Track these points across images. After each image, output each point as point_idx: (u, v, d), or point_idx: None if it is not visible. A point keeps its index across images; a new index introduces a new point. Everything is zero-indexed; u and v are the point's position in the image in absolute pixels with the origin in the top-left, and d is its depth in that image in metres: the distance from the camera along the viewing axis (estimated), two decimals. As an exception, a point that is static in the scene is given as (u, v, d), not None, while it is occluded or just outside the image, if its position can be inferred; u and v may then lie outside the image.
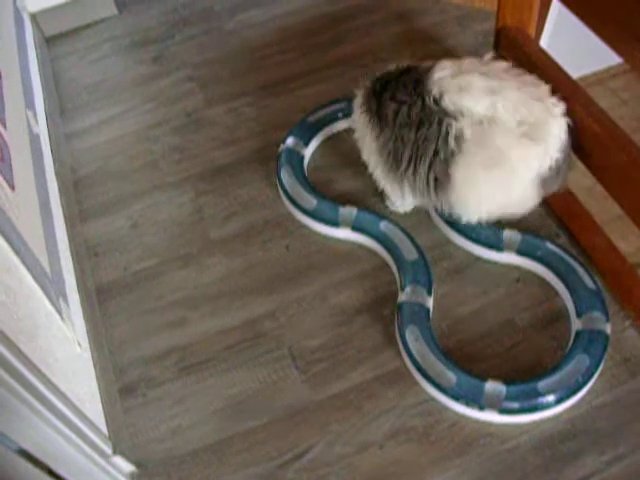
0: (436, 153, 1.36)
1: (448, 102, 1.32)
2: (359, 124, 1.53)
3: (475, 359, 1.42)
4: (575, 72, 1.55)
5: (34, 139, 1.62)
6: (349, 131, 1.83)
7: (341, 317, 1.52)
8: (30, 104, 1.72)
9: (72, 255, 1.59)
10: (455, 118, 1.32)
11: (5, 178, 1.23)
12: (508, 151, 1.32)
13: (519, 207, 1.45)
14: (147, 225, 1.75)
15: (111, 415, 1.36)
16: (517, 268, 1.54)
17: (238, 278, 1.61)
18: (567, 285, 1.46)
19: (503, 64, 1.39)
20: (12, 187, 1.26)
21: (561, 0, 1.44)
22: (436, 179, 1.40)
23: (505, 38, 1.64)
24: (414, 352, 1.39)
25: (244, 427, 1.40)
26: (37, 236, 1.33)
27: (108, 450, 1.27)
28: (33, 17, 2.21)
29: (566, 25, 1.62)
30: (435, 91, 1.34)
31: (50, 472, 1.10)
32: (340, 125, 1.85)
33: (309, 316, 1.53)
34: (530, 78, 1.40)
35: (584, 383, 1.32)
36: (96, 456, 1.20)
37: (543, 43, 1.84)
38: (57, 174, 1.74)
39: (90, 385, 1.35)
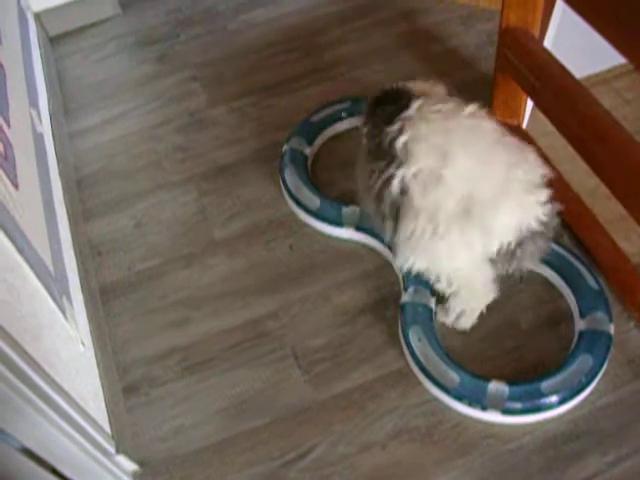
0: (384, 192, 1.28)
1: (400, 144, 1.23)
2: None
3: (478, 359, 1.42)
4: (579, 72, 1.55)
5: (38, 138, 1.62)
6: (352, 131, 1.83)
7: (344, 317, 1.52)
8: (34, 103, 1.72)
9: (76, 254, 1.59)
10: (401, 164, 1.23)
11: (9, 177, 1.23)
12: (445, 221, 1.21)
13: (468, 283, 1.34)
14: (151, 224, 1.75)
15: (114, 414, 1.36)
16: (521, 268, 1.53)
17: (241, 278, 1.61)
18: (570, 285, 1.45)
19: (488, 124, 1.27)
20: (16, 186, 1.26)
21: (565, 0, 1.44)
22: (384, 216, 1.33)
23: (509, 38, 1.64)
24: (417, 352, 1.39)
25: (247, 427, 1.40)
26: (41, 235, 1.33)
27: (111, 449, 1.27)
28: (37, 16, 2.21)
29: (570, 25, 1.62)
30: (395, 128, 1.25)
31: (53, 471, 1.10)
32: (343, 125, 1.85)
33: (312, 316, 1.53)
34: (513, 145, 1.27)
35: (587, 384, 1.32)
36: (99, 455, 1.21)
37: (547, 43, 1.84)
38: (61, 173, 1.74)
39: (93, 384, 1.35)
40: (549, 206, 1.24)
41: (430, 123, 1.23)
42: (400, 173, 1.23)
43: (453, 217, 1.20)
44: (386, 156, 1.26)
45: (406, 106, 1.27)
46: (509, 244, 1.22)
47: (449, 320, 1.44)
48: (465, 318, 1.42)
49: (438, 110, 1.26)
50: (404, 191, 1.24)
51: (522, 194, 1.20)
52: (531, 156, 1.26)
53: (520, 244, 1.24)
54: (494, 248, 1.23)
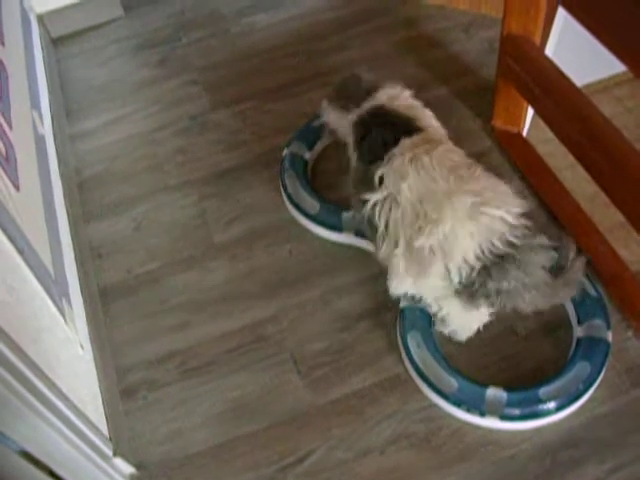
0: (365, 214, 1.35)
1: (377, 176, 1.30)
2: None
3: (477, 365, 1.42)
4: (580, 80, 1.56)
5: (39, 140, 1.62)
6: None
7: (343, 322, 1.52)
8: (36, 105, 1.72)
9: (76, 256, 1.59)
10: (386, 200, 1.29)
11: (10, 178, 1.23)
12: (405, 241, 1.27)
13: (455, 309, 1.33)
14: (151, 227, 1.75)
15: (112, 417, 1.36)
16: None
17: (241, 282, 1.61)
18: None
19: (480, 173, 1.28)
20: (17, 187, 1.26)
21: (566, 8, 1.44)
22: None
23: (510, 45, 1.64)
24: (416, 358, 1.39)
25: (245, 431, 1.39)
26: (41, 237, 1.33)
27: (109, 452, 1.27)
28: (40, 18, 2.22)
29: (571, 33, 1.62)
30: (382, 171, 1.31)
31: (51, 473, 1.10)
32: (344, 130, 1.85)
33: (311, 321, 1.53)
34: (477, 175, 1.27)
35: (585, 390, 1.32)
36: (97, 458, 1.20)
37: (548, 51, 1.84)
38: (62, 175, 1.74)
39: (92, 387, 1.35)
40: (521, 228, 1.17)
41: (404, 157, 1.29)
42: (373, 199, 1.31)
43: (409, 243, 1.25)
44: (371, 186, 1.33)
45: (394, 144, 1.32)
46: (472, 269, 1.17)
47: (446, 331, 1.44)
48: (461, 332, 1.43)
49: (417, 148, 1.30)
50: (374, 216, 1.32)
51: (476, 215, 1.17)
52: (502, 187, 1.25)
53: (489, 270, 1.17)
54: (454, 275, 1.20)
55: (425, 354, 1.39)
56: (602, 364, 1.34)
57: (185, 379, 1.48)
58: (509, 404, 1.31)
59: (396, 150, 1.30)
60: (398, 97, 1.47)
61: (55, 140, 1.81)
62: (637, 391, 1.36)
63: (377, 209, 1.31)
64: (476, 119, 1.87)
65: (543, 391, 1.32)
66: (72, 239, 1.62)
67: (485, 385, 1.34)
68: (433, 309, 1.38)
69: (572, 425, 1.33)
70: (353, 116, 1.46)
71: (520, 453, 1.31)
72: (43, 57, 2.07)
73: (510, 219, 1.18)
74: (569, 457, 1.30)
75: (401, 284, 1.34)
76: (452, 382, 1.35)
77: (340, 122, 1.54)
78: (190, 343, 1.53)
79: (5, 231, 1.08)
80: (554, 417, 1.32)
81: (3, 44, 1.58)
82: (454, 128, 1.81)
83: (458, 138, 1.78)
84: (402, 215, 1.26)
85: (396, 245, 1.28)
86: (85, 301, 1.52)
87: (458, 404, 1.33)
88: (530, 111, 1.84)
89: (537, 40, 1.63)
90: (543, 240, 1.19)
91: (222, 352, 1.51)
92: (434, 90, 1.96)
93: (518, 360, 1.42)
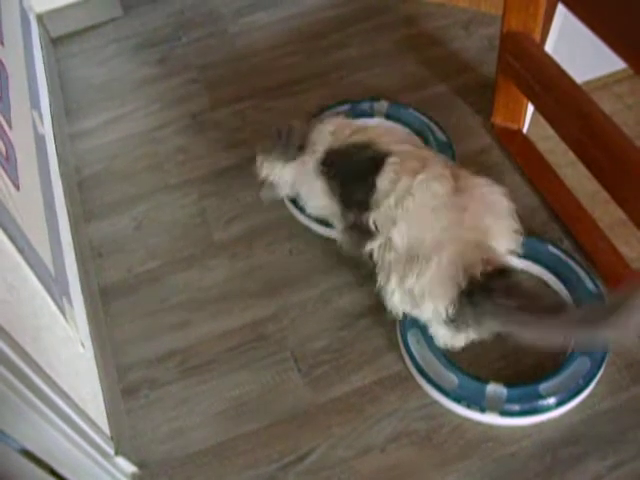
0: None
1: (371, 222, 1.33)
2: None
3: (477, 362, 1.42)
4: (580, 77, 1.55)
5: (39, 139, 1.62)
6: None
7: (344, 320, 1.52)
8: (36, 104, 1.72)
9: (76, 255, 1.60)
10: (373, 238, 1.34)
11: (10, 178, 1.23)
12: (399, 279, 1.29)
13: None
14: (151, 226, 1.75)
15: (114, 416, 1.36)
16: (521, 272, 1.53)
17: (241, 280, 1.61)
18: (568, 288, 1.46)
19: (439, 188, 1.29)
20: (17, 187, 1.26)
21: (566, 5, 1.44)
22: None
23: (510, 42, 1.64)
24: (416, 355, 1.39)
25: (246, 429, 1.40)
26: (41, 236, 1.33)
27: (110, 451, 1.27)
28: (39, 18, 2.22)
29: (571, 30, 1.62)
30: (370, 209, 1.33)
31: (52, 472, 1.10)
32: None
33: (312, 319, 1.53)
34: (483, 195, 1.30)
35: (585, 386, 1.32)
36: (98, 456, 1.21)
37: (548, 48, 1.84)
38: (62, 174, 1.74)
39: (93, 386, 1.35)
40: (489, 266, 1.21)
41: (389, 200, 1.30)
42: (371, 244, 1.35)
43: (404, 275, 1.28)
44: (364, 232, 1.36)
45: (372, 188, 1.33)
46: (454, 306, 1.21)
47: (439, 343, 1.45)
48: (451, 345, 1.43)
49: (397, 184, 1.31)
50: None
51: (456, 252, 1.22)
52: (496, 207, 1.29)
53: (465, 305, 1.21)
54: (441, 311, 1.23)
55: (425, 351, 1.39)
56: (602, 359, 1.34)
57: (186, 378, 1.48)
58: (509, 400, 1.31)
59: (378, 194, 1.32)
60: (343, 126, 1.48)
61: (55, 139, 1.82)
62: (637, 387, 1.36)
63: (375, 252, 1.35)
64: (476, 116, 1.87)
65: (543, 387, 1.32)
66: (72, 238, 1.63)
67: (485, 381, 1.34)
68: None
69: (573, 421, 1.33)
70: (311, 165, 1.46)
71: (521, 450, 1.31)
72: (43, 57, 2.07)
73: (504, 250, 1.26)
74: (570, 454, 1.30)
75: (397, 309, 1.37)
76: (452, 378, 1.35)
77: (281, 172, 1.53)
78: (191, 342, 1.53)
79: (5, 230, 1.08)
80: (554, 413, 1.32)
81: (3, 44, 1.58)
82: (454, 125, 1.83)
83: (458, 135, 1.80)
84: (395, 259, 1.29)
85: (388, 280, 1.32)
86: (86, 300, 1.52)
87: (458, 400, 1.33)
88: (530, 108, 1.84)
89: (537, 37, 1.63)
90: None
91: (223, 351, 1.51)
92: (434, 87, 1.96)
93: (518, 356, 1.42)
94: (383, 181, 1.32)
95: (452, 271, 1.21)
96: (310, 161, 1.46)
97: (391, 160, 1.33)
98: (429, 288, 1.24)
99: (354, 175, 1.38)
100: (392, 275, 1.30)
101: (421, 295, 1.25)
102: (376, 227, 1.33)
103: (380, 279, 1.35)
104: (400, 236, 1.28)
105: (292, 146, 1.49)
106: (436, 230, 1.25)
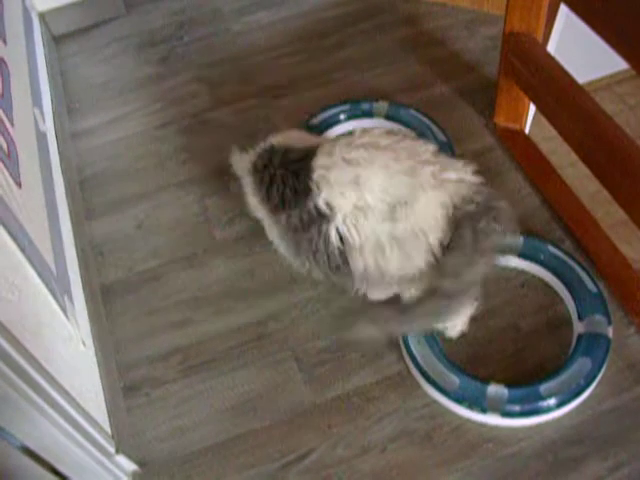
0: (328, 249, 1.29)
1: (322, 204, 1.25)
2: (252, 199, 1.43)
3: (478, 362, 1.42)
4: (582, 77, 1.55)
5: (41, 137, 1.62)
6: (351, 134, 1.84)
7: (344, 320, 1.52)
8: (38, 102, 1.73)
9: (77, 254, 1.60)
10: (330, 220, 1.25)
11: (12, 175, 1.23)
12: (388, 237, 1.23)
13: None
14: (152, 225, 1.75)
15: (114, 414, 1.36)
16: (522, 273, 1.54)
17: (242, 279, 1.61)
18: (569, 288, 1.46)
19: (384, 140, 1.26)
20: (19, 184, 1.26)
21: (568, 5, 1.44)
22: (338, 266, 1.32)
23: (513, 43, 1.64)
24: (417, 355, 1.39)
25: (247, 428, 1.40)
26: (43, 234, 1.33)
27: (111, 449, 1.27)
28: (42, 16, 2.22)
29: (573, 30, 1.62)
30: (315, 193, 1.25)
31: (53, 470, 1.10)
32: (342, 128, 1.85)
33: (312, 318, 1.53)
34: (409, 144, 1.27)
35: (586, 386, 1.32)
36: (99, 455, 1.21)
37: (550, 48, 1.84)
38: (63, 172, 1.74)
39: (94, 384, 1.35)
40: (478, 186, 1.21)
41: (335, 169, 1.24)
42: (334, 227, 1.26)
43: (392, 237, 1.22)
44: (314, 223, 1.27)
45: (307, 164, 1.27)
46: (445, 234, 1.20)
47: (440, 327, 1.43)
48: (451, 327, 1.43)
49: (339, 146, 1.27)
50: (345, 239, 1.26)
51: (435, 179, 1.20)
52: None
53: (458, 229, 1.19)
54: (435, 247, 1.21)
55: (426, 351, 1.39)
56: (603, 360, 1.34)
57: (187, 376, 1.48)
58: (510, 400, 1.31)
59: (316, 174, 1.25)
60: (299, 135, 1.44)
61: (57, 137, 1.82)
62: (639, 388, 1.36)
63: (346, 226, 1.25)
64: (478, 117, 1.87)
65: (544, 387, 1.32)
66: (74, 236, 1.63)
67: (486, 382, 1.34)
68: None
69: (574, 422, 1.33)
70: (250, 162, 1.40)
71: (522, 450, 1.31)
72: (45, 55, 2.07)
73: (470, 178, 1.22)
74: (571, 455, 1.30)
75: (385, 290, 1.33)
76: (453, 379, 1.35)
77: (240, 167, 1.47)
78: (192, 340, 1.53)
79: (7, 228, 1.08)
80: (555, 413, 1.32)
81: (5, 42, 1.59)
82: (456, 126, 1.83)
83: (460, 135, 1.80)
84: (376, 214, 1.22)
85: (376, 250, 1.25)
86: (87, 298, 1.52)
87: (459, 401, 1.33)
88: (532, 108, 1.84)
89: (539, 37, 1.63)
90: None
91: (224, 350, 1.51)
92: (436, 88, 1.96)
93: (520, 357, 1.42)
94: (318, 160, 1.26)
95: (440, 196, 1.19)
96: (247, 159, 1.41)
97: (323, 146, 1.29)
98: (422, 224, 1.19)
99: (285, 170, 1.31)
100: (380, 235, 1.23)
101: (414, 235, 1.20)
102: (329, 207, 1.24)
103: (362, 257, 1.26)
104: (375, 192, 1.21)
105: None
106: (403, 162, 1.21)
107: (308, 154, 1.29)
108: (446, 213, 1.19)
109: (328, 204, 1.25)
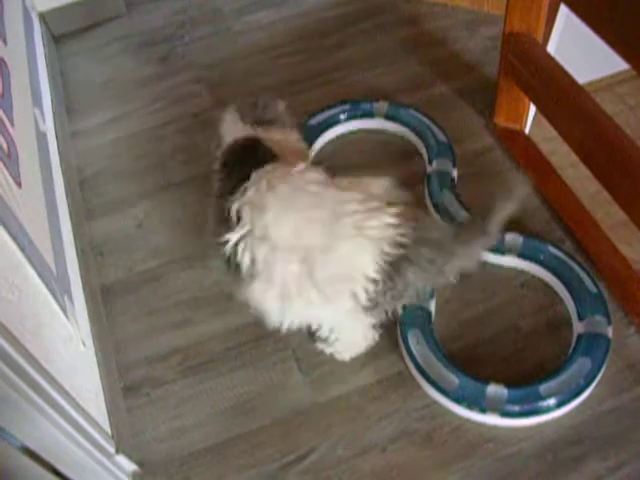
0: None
1: (246, 217, 1.21)
2: None
3: (478, 363, 1.42)
4: (582, 78, 1.55)
5: (41, 137, 1.62)
6: (351, 134, 1.84)
7: (345, 319, 1.52)
8: (38, 102, 1.73)
9: (77, 254, 1.60)
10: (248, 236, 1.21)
11: (12, 175, 1.23)
12: (295, 284, 1.19)
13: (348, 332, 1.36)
14: (152, 225, 1.75)
15: (114, 414, 1.36)
16: (522, 273, 1.54)
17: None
18: (569, 288, 1.46)
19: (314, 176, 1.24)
20: (19, 184, 1.26)
21: (569, 5, 1.44)
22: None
23: (513, 43, 1.64)
24: (416, 355, 1.39)
25: (247, 428, 1.40)
26: (43, 233, 1.33)
27: (111, 449, 1.27)
28: (42, 16, 2.22)
29: (573, 31, 1.62)
30: (238, 204, 1.23)
31: (53, 470, 1.10)
32: (342, 128, 1.85)
33: (313, 318, 1.53)
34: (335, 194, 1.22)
35: (586, 386, 1.32)
36: (99, 455, 1.21)
37: (550, 48, 1.84)
38: (63, 172, 1.74)
39: (94, 384, 1.35)
40: (403, 226, 1.17)
41: (258, 187, 1.22)
42: (234, 238, 1.22)
43: (298, 278, 1.18)
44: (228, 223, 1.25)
45: (247, 176, 1.25)
46: (377, 282, 1.17)
47: (330, 350, 1.44)
48: (348, 350, 1.43)
49: (271, 174, 1.24)
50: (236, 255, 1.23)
51: (357, 229, 1.16)
52: (374, 185, 1.23)
53: (391, 276, 1.17)
54: (361, 296, 1.18)
55: (426, 351, 1.39)
56: (603, 360, 1.34)
57: (187, 376, 1.48)
58: (510, 401, 1.31)
59: (249, 183, 1.23)
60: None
61: (57, 137, 1.82)
62: (639, 388, 1.36)
63: (240, 247, 1.22)
64: (478, 117, 1.87)
65: (544, 387, 1.32)
66: (74, 236, 1.63)
67: (486, 382, 1.34)
68: (322, 331, 1.36)
69: (574, 422, 1.33)
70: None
71: (521, 450, 1.31)
72: (45, 55, 2.07)
73: (394, 221, 1.17)
74: (570, 455, 1.30)
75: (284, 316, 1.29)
76: (453, 379, 1.35)
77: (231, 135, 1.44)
78: (192, 341, 1.53)
79: (7, 228, 1.08)
80: (555, 413, 1.32)
81: (5, 42, 1.58)
82: (456, 126, 1.83)
83: (460, 136, 1.80)
84: (273, 251, 1.18)
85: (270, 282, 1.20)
86: (87, 298, 1.52)
87: (459, 401, 1.33)
88: (532, 109, 1.84)
89: (539, 38, 1.63)
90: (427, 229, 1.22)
91: (224, 349, 1.51)
92: (436, 88, 1.96)
93: (519, 357, 1.42)
94: (258, 172, 1.24)
95: (363, 244, 1.15)
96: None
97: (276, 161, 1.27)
98: (342, 270, 1.16)
99: (237, 164, 1.31)
100: (275, 272, 1.19)
101: (337, 282, 1.17)
102: (239, 217, 1.21)
103: (257, 285, 1.23)
104: (276, 223, 1.17)
105: (264, 118, 1.43)
106: (325, 210, 1.17)
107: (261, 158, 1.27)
108: (374, 260, 1.15)
109: (241, 214, 1.22)
